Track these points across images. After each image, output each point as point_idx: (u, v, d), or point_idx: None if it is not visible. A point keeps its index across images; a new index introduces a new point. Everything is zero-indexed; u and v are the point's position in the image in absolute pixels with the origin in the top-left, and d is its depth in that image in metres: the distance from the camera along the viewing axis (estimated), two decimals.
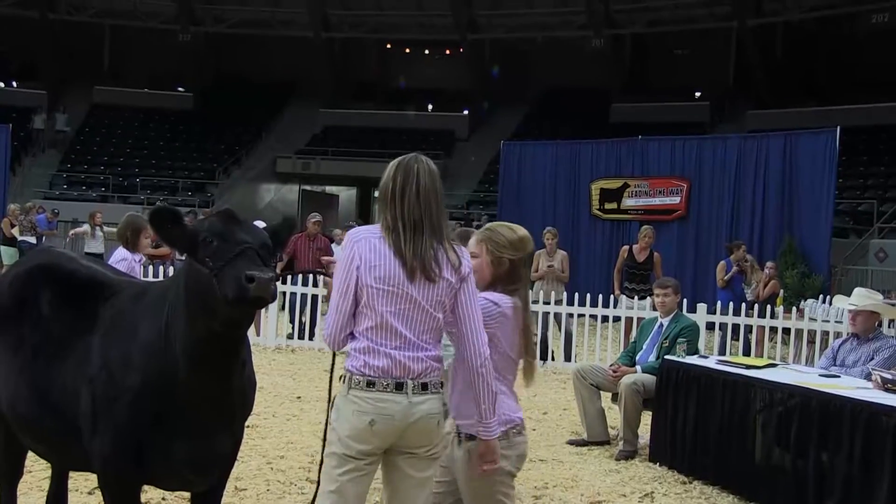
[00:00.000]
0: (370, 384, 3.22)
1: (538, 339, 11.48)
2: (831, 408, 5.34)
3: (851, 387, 5.70)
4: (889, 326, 9.86)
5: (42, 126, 31.46)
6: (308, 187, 34.50)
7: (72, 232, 18.69)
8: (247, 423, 4.01)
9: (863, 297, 6.74)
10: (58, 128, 32.15)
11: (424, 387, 3.25)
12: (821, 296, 13.49)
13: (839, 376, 6.23)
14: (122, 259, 6.41)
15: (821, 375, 6.29)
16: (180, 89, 35.19)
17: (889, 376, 5.53)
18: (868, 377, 5.92)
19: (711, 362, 6.82)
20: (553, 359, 11.47)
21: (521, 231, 3.68)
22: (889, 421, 4.98)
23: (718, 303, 11.23)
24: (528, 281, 3.66)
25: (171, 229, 3.45)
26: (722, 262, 13.93)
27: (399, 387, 3.22)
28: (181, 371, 3.45)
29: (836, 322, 10.49)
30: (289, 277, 12.28)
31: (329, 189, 35.99)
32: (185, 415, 3.50)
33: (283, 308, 12.60)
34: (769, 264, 14.07)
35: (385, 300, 3.24)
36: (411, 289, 3.25)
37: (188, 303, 3.41)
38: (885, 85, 26.68)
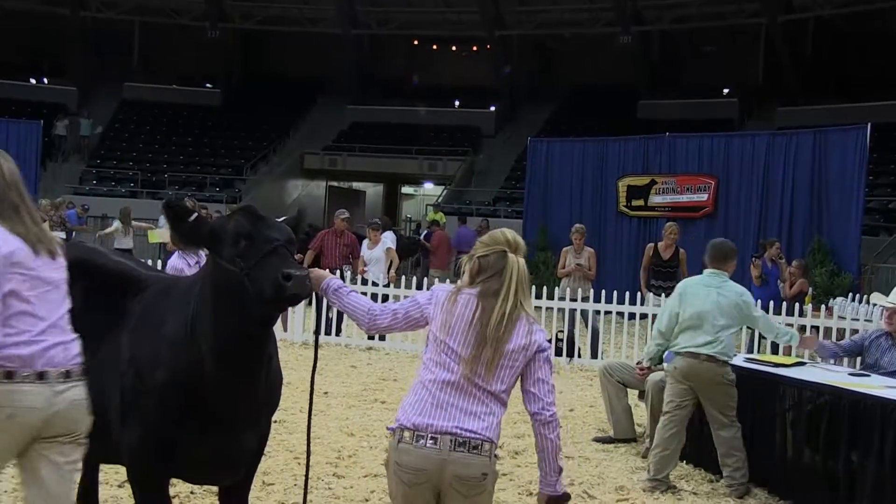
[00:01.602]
0: (8, 375, 3.05)
1: (565, 335, 11.47)
2: (861, 407, 5.31)
3: (881, 386, 5.65)
4: None
5: (64, 132, 31.48)
6: (335, 183, 34.62)
7: (99, 234, 18.87)
8: (274, 419, 4.04)
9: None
10: (81, 133, 32.18)
11: (67, 375, 3.14)
12: (850, 294, 13.36)
13: (869, 375, 6.18)
14: (172, 267, 6.50)
15: (850, 374, 6.25)
16: (209, 86, 35.40)
17: None
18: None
19: (739, 360, 6.77)
20: (580, 356, 11.45)
21: (505, 235, 3.35)
22: None
23: None
24: (499, 276, 3.25)
25: (186, 225, 3.48)
26: (757, 260, 13.81)
27: (41, 376, 3.08)
28: (208, 366, 3.48)
29: (865, 321, 10.39)
30: None
31: (356, 185, 36.09)
32: (211, 410, 3.53)
33: (309, 304, 12.65)
34: (794, 263, 13.95)
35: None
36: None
37: (216, 301, 3.43)
38: None
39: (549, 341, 10.67)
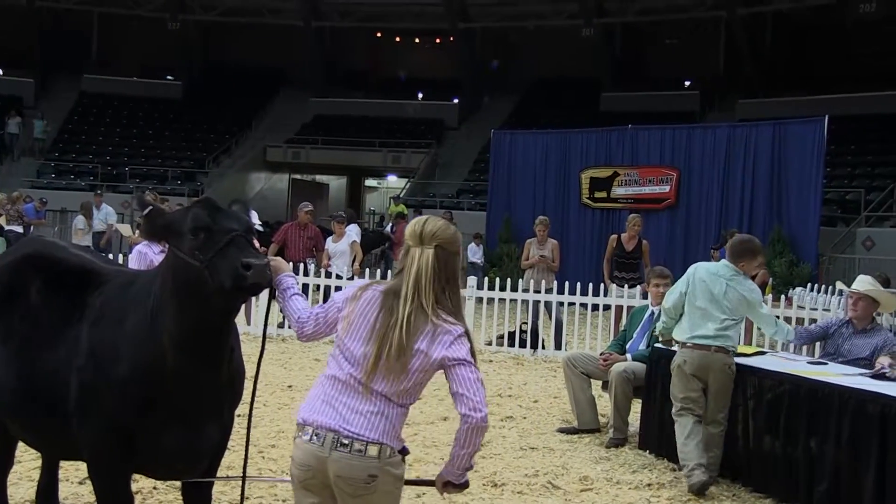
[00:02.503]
0: None
1: (529, 327, 11.52)
2: (820, 395, 5.39)
3: (838, 374, 5.74)
4: (877, 314, 9.89)
5: (16, 130, 30.86)
6: (298, 176, 34.45)
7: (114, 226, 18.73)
8: (237, 412, 4.01)
9: (866, 284, 6.76)
10: (35, 135, 31.31)
11: None
12: (809, 284, 13.53)
13: (826, 363, 6.27)
14: (138, 252, 6.44)
15: (809, 363, 6.33)
16: (169, 78, 35.04)
17: (870, 371, 5.60)
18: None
19: None
20: (543, 347, 11.50)
21: (430, 225, 3.12)
22: (875, 408, 5.02)
23: None
24: (407, 273, 3.06)
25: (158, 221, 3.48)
26: (716, 252, 13.93)
27: None
28: (170, 359, 3.45)
29: (823, 310, 10.54)
30: None
31: (319, 178, 35.93)
32: (174, 403, 3.50)
33: (273, 297, 12.56)
34: None
35: None
36: None
37: (177, 293, 3.41)
38: (873, 75, 26.78)
39: (513, 333, 10.69)
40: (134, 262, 6.22)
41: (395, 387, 3.01)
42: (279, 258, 3.69)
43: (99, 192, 21.60)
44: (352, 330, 3.08)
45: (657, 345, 7.10)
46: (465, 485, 3.18)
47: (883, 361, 5.77)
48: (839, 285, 8.19)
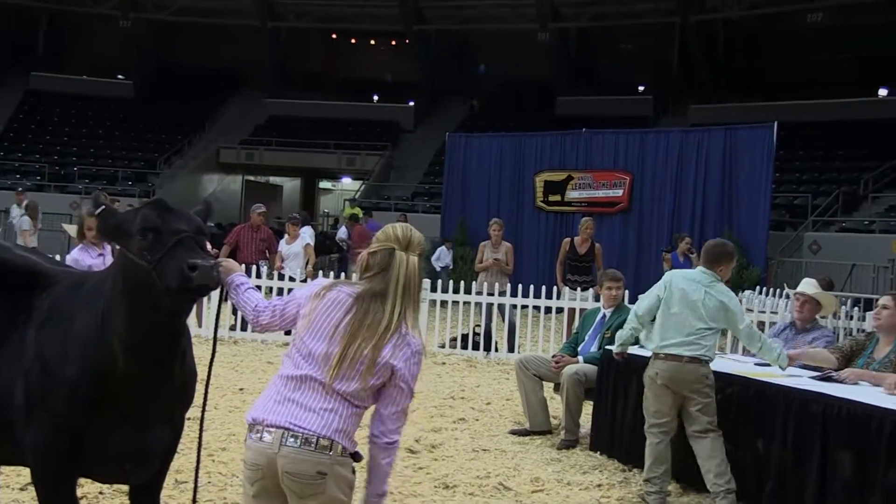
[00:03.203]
0: None
1: (482, 329, 11.55)
2: (766, 396, 5.47)
3: (784, 375, 5.83)
4: (822, 317, 10.08)
5: None
6: (251, 178, 34.23)
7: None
8: (188, 415, 3.98)
9: (811, 287, 6.89)
10: None
11: None
12: (758, 287, 13.74)
13: (769, 365, 6.36)
14: (73, 260, 6.35)
15: (756, 364, 6.42)
16: (121, 77, 34.62)
17: (818, 373, 5.71)
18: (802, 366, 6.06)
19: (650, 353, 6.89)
20: (497, 350, 11.53)
21: (416, 233, 3.16)
22: (817, 408, 5.11)
23: None
24: (395, 277, 3.06)
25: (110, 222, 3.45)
26: (668, 254, 14.12)
27: None
28: (119, 362, 3.41)
29: (771, 312, 10.71)
30: None
31: (273, 180, 35.73)
32: (123, 406, 3.46)
33: (225, 299, 12.46)
34: None
35: None
36: None
37: (126, 295, 3.37)
38: (821, 82, 27.32)
39: (467, 335, 10.71)
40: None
41: (356, 388, 3.00)
42: (230, 259, 3.67)
43: (20, 189, 21.16)
44: (313, 328, 3.06)
45: (608, 347, 7.17)
46: None
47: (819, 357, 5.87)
48: (788, 290, 8.33)
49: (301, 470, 2.94)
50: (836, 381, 5.56)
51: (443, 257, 18.31)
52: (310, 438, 2.95)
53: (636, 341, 6.31)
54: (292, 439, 2.95)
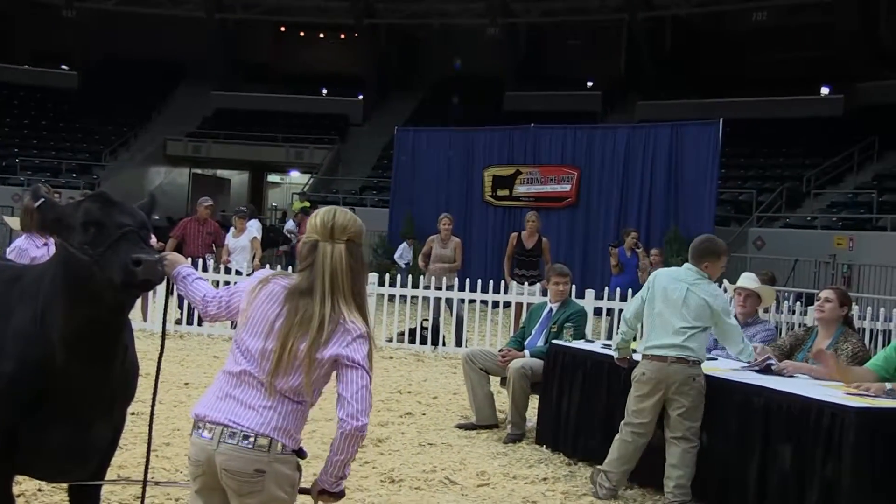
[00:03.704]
0: None
1: (430, 324, 11.56)
2: (710, 389, 5.53)
3: (728, 368, 5.92)
4: (765, 311, 10.26)
5: None
6: (199, 171, 33.85)
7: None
8: (131, 411, 3.93)
9: (752, 281, 7.00)
10: None
11: None
12: None
13: (716, 359, 6.45)
14: (17, 248, 6.22)
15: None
16: (64, 67, 33.97)
17: (759, 357, 5.77)
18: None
19: (597, 347, 6.96)
20: (444, 344, 11.55)
21: (341, 218, 3.04)
22: (759, 400, 5.20)
23: (606, 289, 11.48)
24: (321, 270, 2.96)
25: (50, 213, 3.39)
26: (614, 249, 14.22)
27: None
28: (58, 357, 3.36)
29: None
30: None
31: (220, 173, 35.38)
32: (62, 402, 3.41)
33: (171, 293, 12.32)
34: (654, 251, 14.45)
35: None
36: None
37: (67, 289, 3.32)
38: (766, 80, 27.77)
39: (414, 330, 10.71)
40: (13, 258, 6.02)
41: (295, 384, 2.94)
42: (175, 253, 3.62)
43: None
44: (249, 325, 3.02)
45: (555, 341, 7.22)
46: (341, 494, 3.08)
47: (758, 352, 5.94)
48: (725, 284, 8.44)
49: (238, 468, 2.90)
50: (775, 372, 5.66)
51: (405, 254, 18.30)
52: (248, 436, 2.90)
53: (627, 348, 6.06)
54: (230, 437, 2.91)
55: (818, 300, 6.13)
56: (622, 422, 5.70)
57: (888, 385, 5.18)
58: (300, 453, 3.02)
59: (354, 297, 2.99)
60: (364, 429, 2.93)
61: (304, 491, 3.12)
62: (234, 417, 2.93)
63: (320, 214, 3.05)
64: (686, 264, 5.73)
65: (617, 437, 5.70)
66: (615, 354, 6.06)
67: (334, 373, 3.00)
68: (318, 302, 2.93)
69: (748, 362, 5.79)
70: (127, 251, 3.13)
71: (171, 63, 33.58)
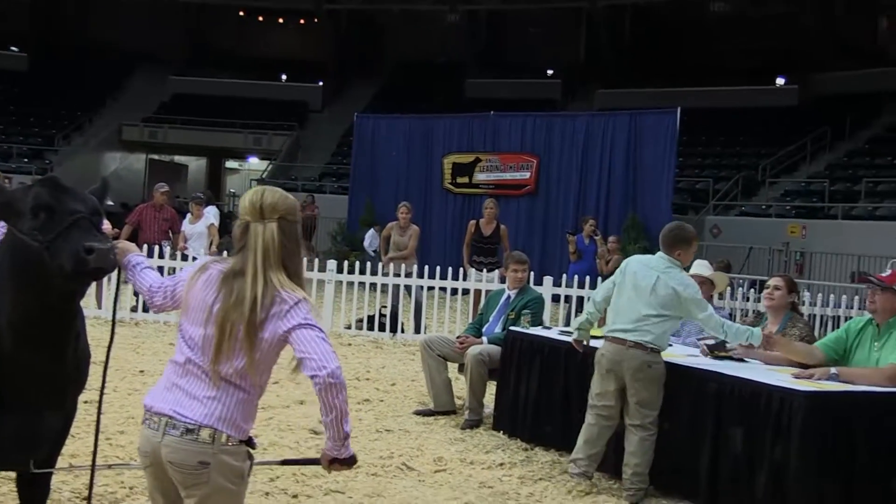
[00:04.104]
0: None
1: (388, 311, 11.55)
2: (666, 375, 5.59)
3: (683, 355, 5.99)
4: (720, 298, 10.40)
5: None
6: (155, 157, 33.47)
7: None
8: (84, 399, 3.89)
9: (704, 268, 7.09)
10: None
11: None
12: None
13: (672, 345, 6.52)
14: None
15: None
16: (14, 49, 33.30)
17: (713, 342, 5.84)
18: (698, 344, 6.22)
19: (555, 333, 7.00)
20: (403, 331, 11.56)
21: (270, 197, 2.98)
22: (711, 385, 5.27)
23: (564, 276, 11.55)
24: (252, 251, 2.91)
25: None
26: (572, 236, 14.32)
27: None
28: (7, 344, 3.31)
29: None
30: None
31: (178, 159, 35.02)
32: (10, 390, 3.36)
33: (126, 280, 12.19)
34: (611, 239, 14.56)
35: None
36: None
37: (15, 275, 3.27)
38: (724, 70, 28.03)
39: (373, 317, 10.64)
40: None
41: (240, 366, 2.89)
42: (126, 241, 3.58)
43: None
44: (190, 313, 2.98)
45: (512, 328, 7.25)
46: (353, 459, 3.02)
47: (703, 346, 6.01)
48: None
49: (182, 460, 2.86)
50: (728, 355, 5.74)
51: (373, 242, 18.28)
52: (191, 428, 2.85)
53: (589, 329, 6.06)
54: (173, 429, 2.87)
55: (767, 288, 6.24)
56: (594, 411, 5.66)
57: (832, 369, 5.28)
58: (250, 443, 2.98)
59: (290, 275, 2.95)
60: (337, 373, 2.83)
61: (308, 462, 3.02)
62: (178, 408, 2.89)
63: (248, 195, 3.00)
64: (658, 252, 5.70)
65: (584, 424, 5.70)
66: (574, 335, 6.07)
67: (295, 365, 2.93)
68: (249, 282, 2.87)
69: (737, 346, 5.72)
70: (78, 238, 3.09)
71: (127, 47, 33.09)
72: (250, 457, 3.00)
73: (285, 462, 4.33)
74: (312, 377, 2.84)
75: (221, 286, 2.93)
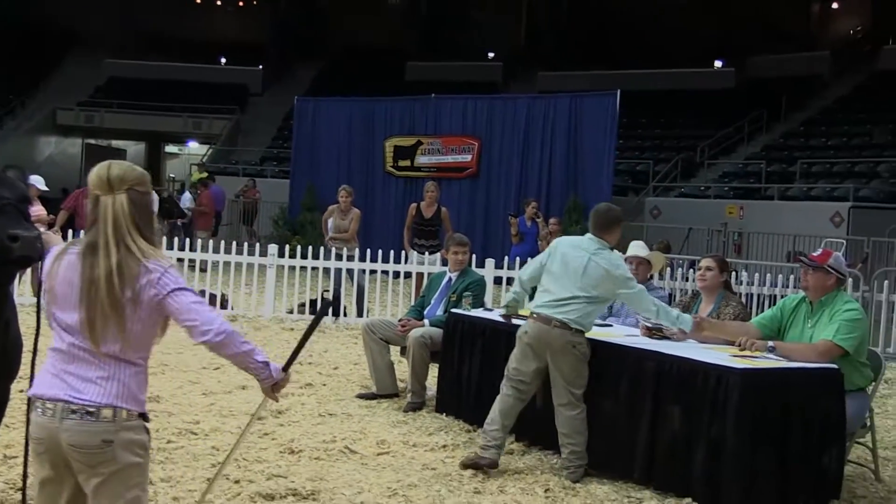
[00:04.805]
0: None
1: (331, 294, 11.50)
2: (602, 354, 5.65)
3: (621, 334, 6.06)
4: (660, 278, 10.54)
5: None
6: (92, 141, 32.87)
7: None
8: (20, 388, 3.82)
9: (640, 248, 7.17)
10: None
11: None
12: None
13: (612, 325, 6.60)
14: None
15: (596, 325, 6.63)
16: None
17: (650, 324, 5.92)
18: (638, 325, 6.31)
19: (496, 315, 7.02)
20: (346, 315, 11.52)
21: (117, 169, 2.98)
22: (650, 364, 5.34)
23: (506, 258, 11.61)
24: (103, 223, 2.91)
25: None
26: (514, 219, 14.38)
27: None
28: None
29: None
30: (69, 234, 11.67)
31: (115, 143, 34.43)
32: None
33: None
34: (553, 220, 14.66)
35: None
36: None
37: None
38: (662, 53, 28.34)
39: (315, 301, 10.58)
40: None
41: (121, 343, 2.89)
42: (50, 233, 3.53)
43: None
44: (59, 301, 2.93)
45: (454, 310, 7.27)
46: (281, 378, 3.17)
47: (643, 325, 6.09)
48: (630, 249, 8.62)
49: (84, 441, 2.85)
50: (666, 337, 5.82)
51: (184, 201, 18.26)
52: (90, 409, 2.85)
53: (516, 307, 6.14)
54: (72, 413, 2.85)
55: (699, 269, 6.34)
56: (502, 381, 5.69)
57: (770, 343, 5.40)
58: (144, 417, 2.99)
59: (146, 241, 2.95)
60: (221, 330, 2.93)
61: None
62: (73, 393, 2.87)
63: (95, 170, 2.98)
64: (588, 234, 5.71)
65: (498, 396, 5.70)
66: (502, 311, 6.16)
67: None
68: (102, 254, 2.86)
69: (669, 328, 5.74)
70: (3, 226, 3.03)
71: (61, 29, 32.38)
72: (147, 430, 3.00)
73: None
74: (203, 342, 2.94)
75: (81, 265, 2.90)
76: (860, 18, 30.68)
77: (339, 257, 11.58)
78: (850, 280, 10.65)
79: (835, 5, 31.69)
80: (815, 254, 5.71)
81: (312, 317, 11.13)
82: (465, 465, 5.58)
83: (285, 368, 3.20)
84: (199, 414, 6.53)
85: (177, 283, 2.91)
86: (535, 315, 5.60)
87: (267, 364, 3.09)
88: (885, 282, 11.01)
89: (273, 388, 3.17)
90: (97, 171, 2.96)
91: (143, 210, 2.96)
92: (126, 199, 2.92)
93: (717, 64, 29.79)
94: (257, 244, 12.06)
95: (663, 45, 28.84)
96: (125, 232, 2.89)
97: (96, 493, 2.89)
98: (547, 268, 5.70)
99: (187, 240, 12.22)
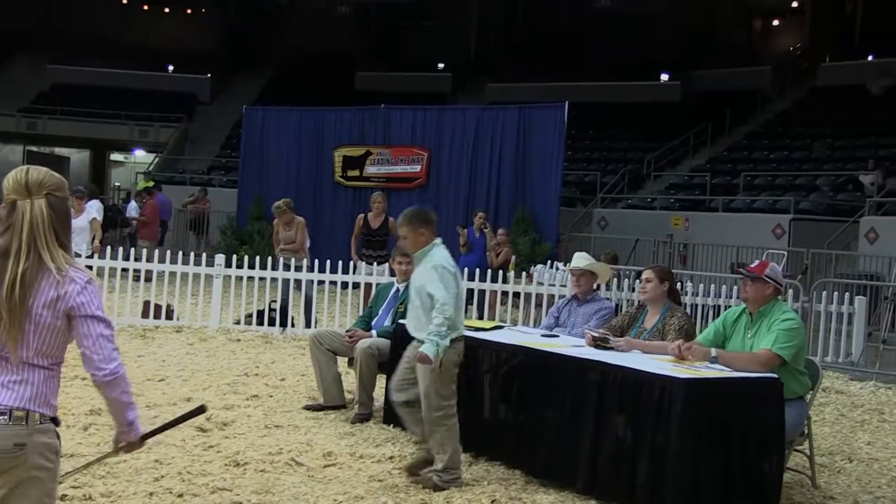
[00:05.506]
0: None
1: (278, 305, 11.44)
2: (548, 365, 5.70)
3: (567, 345, 6.11)
4: (607, 289, 10.64)
5: None
6: (34, 148, 32.32)
7: None
8: None
9: (584, 260, 7.24)
10: None
11: None
12: (549, 261, 14.30)
13: (558, 336, 6.65)
14: None
15: (542, 336, 6.68)
16: None
17: (597, 334, 5.98)
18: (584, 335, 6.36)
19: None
20: (293, 325, 11.46)
21: (35, 174, 2.95)
22: (595, 374, 5.39)
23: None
24: (18, 228, 2.87)
25: None
26: (463, 229, 14.43)
27: None
28: None
29: (561, 286, 11.20)
30: None
31: (58, 151, 33.89)
32: None
33: None
34: (500, 231, 14.73)
35: None
36: None
37: None
38: (610, 65, 28.70)
39: (262, 311, 10.51)
40: None
41: (34, 349, 2.88)
42: None
43: None
44: None
45: (402, 321, 7.26)
46: (142, 440, 3.19)
47: (588, 336, 6.14)
48: (560, 266, 8.73)
49: None
50: (612, 348, 5.88)
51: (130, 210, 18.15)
52: (2, 412, 2.84)
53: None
54: None
55: (640, 281, 6.41)
56: (438, 415, 5.52)
57: (713, 351, 5.48)
58: (55, 421, 2.98)
59: (63, 247, 2.94)
60: (114, 371, 2.95)
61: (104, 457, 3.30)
62: None
63: (12, 174, 2.95)
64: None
65: (444, 431, 5.56)
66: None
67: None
68: (12, 260, 2.85)
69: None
70: None
71: (2, 32, 31.79)
72: (58, 435, 2.99)
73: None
74: (92, 374, 2.96)
75: None
76: (799, 36, 31.35)
77: (286, 267, 11.52)
78: (790, 290, 10.88)
79: (776, 22, 32.33)
80: (752, 265, 5.82)
81: (259, 327, 11.01)
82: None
83: (144, 437, 3.20)
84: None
85: (94, 310, 2.92)
86: (462, 337, 5.62)
87: (132, 424, 3.11)
88: (824, 292, 11.24)
89: (125, 446, 3.18)
90: (14, 176, 2.93)
91: (61, 216, 2.95)
92: (45, 203, 2.90)
93: (664, 77, 30.20)
94: (203, 254, 11.94)
95: (611, 59, 29.19)
96: (41, 238, 2.87)
97: (7, 500, 2.88)
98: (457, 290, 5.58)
99: (132, 249, 12.06)
